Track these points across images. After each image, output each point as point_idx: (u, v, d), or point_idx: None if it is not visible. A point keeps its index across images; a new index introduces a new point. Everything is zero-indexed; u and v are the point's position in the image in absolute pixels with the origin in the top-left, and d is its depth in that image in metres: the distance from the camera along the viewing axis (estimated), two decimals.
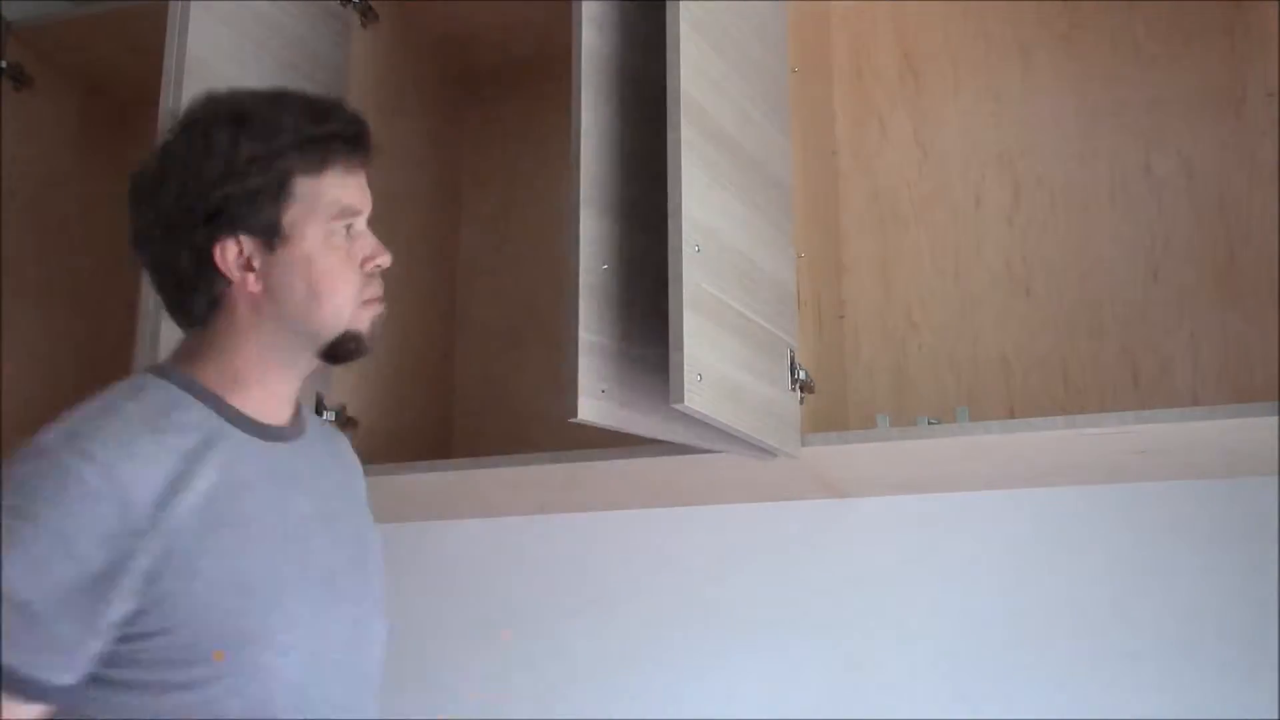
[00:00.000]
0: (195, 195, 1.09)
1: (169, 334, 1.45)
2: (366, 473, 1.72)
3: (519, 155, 2.16)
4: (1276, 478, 1.61)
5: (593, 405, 1.25)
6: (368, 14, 1.88)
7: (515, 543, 2.00)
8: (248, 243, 1.10)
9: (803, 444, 1.47)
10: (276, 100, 1.14)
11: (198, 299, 1.12)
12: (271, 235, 1.10)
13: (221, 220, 1.09)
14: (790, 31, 1.66)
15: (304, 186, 1.11)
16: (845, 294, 1.86)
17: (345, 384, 1.76)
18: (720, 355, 1.29)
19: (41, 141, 2.08)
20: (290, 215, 1.11)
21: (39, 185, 2.07)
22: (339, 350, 1.16)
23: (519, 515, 2.00)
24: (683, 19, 1.30)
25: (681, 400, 1.20)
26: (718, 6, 1.40)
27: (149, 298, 1.46)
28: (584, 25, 1.34)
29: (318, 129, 1.12)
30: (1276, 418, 1.33)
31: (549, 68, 2.15)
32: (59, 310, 2.09)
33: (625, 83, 1.40)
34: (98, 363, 2.15)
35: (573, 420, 1.23)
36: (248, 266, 1.11)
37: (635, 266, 1.36)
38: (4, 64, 2.01)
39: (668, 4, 1.30)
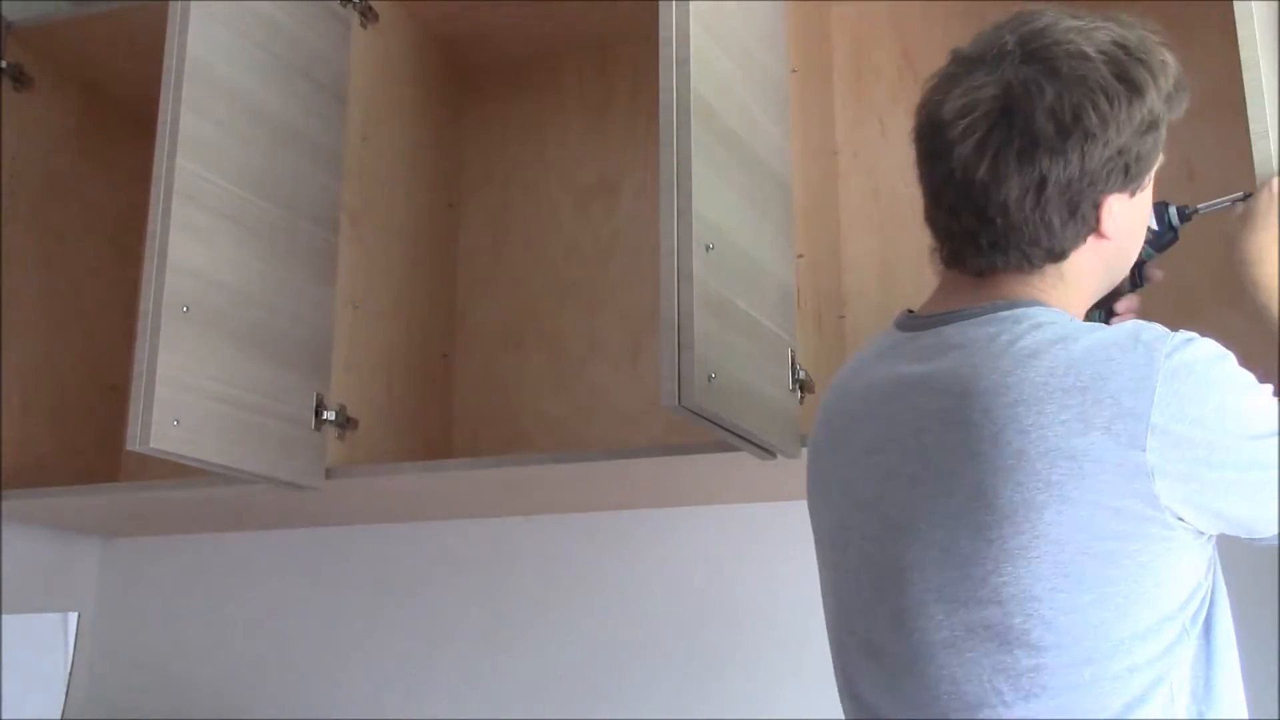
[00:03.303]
0: None
1: (169, 333, 1.45)
2: (366, 473, 1.73)
3: (519, 155, 2.16)
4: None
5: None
6: (368, 14, 1.88)
7: (515, 543, 2.00)
8: None
9: (803, 444, 1.47)
10: None
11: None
12: None
13: None
14: (790, 31, 1.66)
15: None
16: (845, 294, 1.86)
17: (345, 384, 1.76)
18: (728, 355, 1.29)
19: (41, 141, 2.08)
20: None
21: (39, 185, 2.07)
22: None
23: (519, 515, 2.00)
24: (692, 18, 1.30)
25: (693, 401, 1.20)
26: (723, 6, 1.40)
27: (149, 297, 1.46)
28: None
29: None
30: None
31: (549, 67, 2.16)
32: (59, 310, 2.09)
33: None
34: (98, 363, 2.15)
35: None
36: None
37: None
38: (4, 64, 2.01)
39: (675, 3, 1.30)
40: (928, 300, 1.10)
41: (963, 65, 1.03)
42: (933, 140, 1.04)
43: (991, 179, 0.99)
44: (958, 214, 1.03)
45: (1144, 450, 0.89)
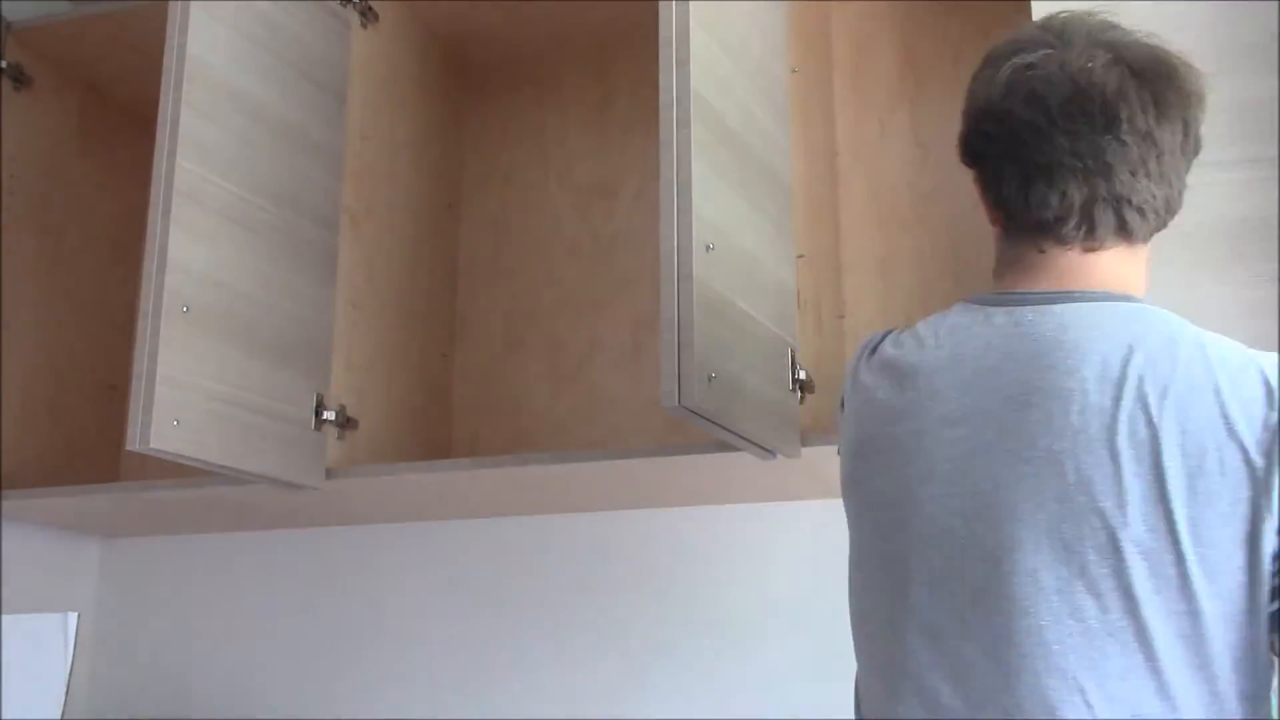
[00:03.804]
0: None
1: (169, 333, 1.45)
2: (366, 473, 1.73)
3: (519, 155, 2.16)
4: None
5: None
6: (368, 14, 1.88)
7: (515, 543, 2.00)
8: None
9: (803, 444, 1.47)
10: None
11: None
12: None
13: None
14: (790, 31, 1.66)
15: None
16: (845, 294, 1.86)
17: (345, 384, 1.76)
18: (727, 355, 1.29)
19: (41, 141, 2.08)
20: None
21: (39, 185, 2.07)
22: None
23: (519, 515, 2.00)
24: (692, 18, 1.30)
25: (693, 401, 1.20)
26: (723, 6, 1.40)
27: (149, 297, 1.46)
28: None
29: None
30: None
31: (549, 67, 2.16)
32: (59, 310, 2.09)
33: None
34: (98, 363, 2.15)
35: None
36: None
37: None
38: (4, 64, 2.01)
39: (675, 3, 1.30)
40: (1009, 279, 1.07)
41: (1053, 43, 1.03)
42: (1070, 107, 1.00)
43: (1157, 126, 1.00)
44: (1111, 176, 1.01)
45: (1265, 462, 0.89)
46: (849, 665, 1.08)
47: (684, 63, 1.29)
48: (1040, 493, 0.93)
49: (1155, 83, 1.01)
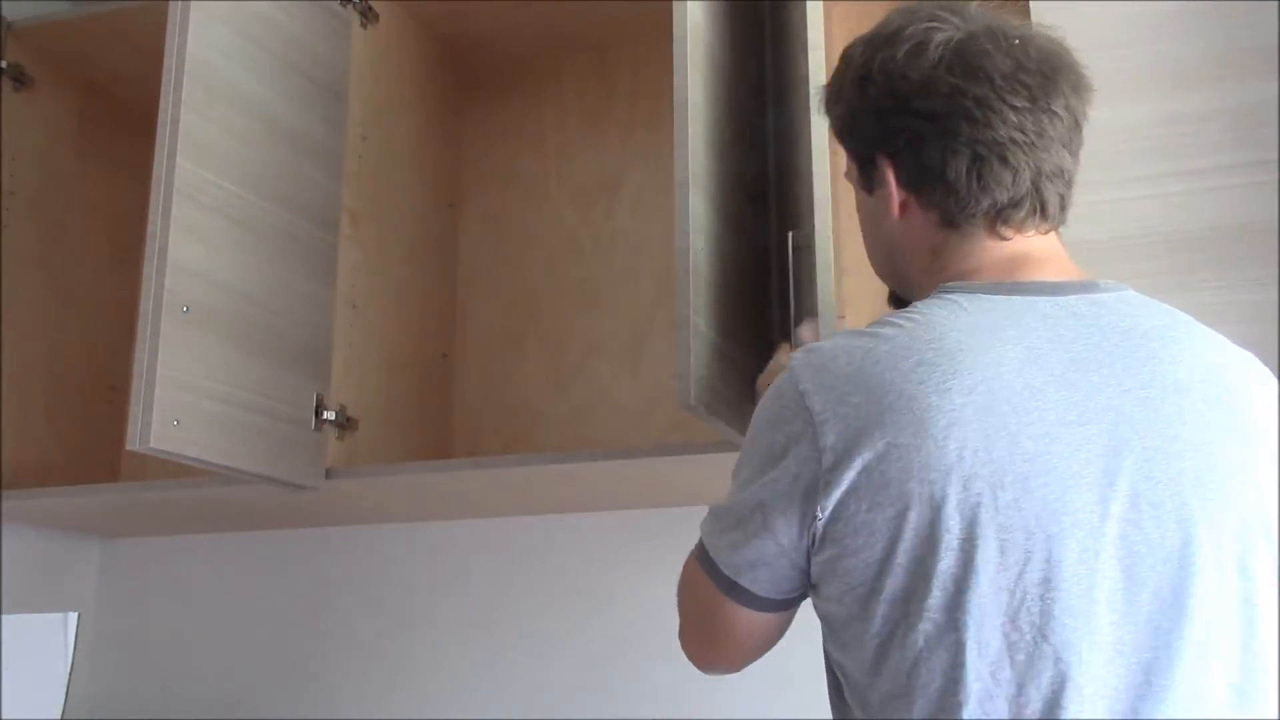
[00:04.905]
0: None
1: (169, 333, 1.45)
2: (366, 473, 1.73)
3: (519, 155, 2.16)
4: None
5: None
6: (368, 14, 1.88)
7: (515, 543, 2.00)
8: None
9: None
10: None
11: None
12: None
13: None
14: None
15: None
16: (845, 294, 1.86)
17: (345, 384, 1.76)
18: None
19: (41, 141, 2.08)
20: None
21: (39, 185, 2.07)
22: None
23: (519, 515, 2.00)
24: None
25: (689, 401, 1.20)
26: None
27: (149, 297, 1.46)
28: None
29: None
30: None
31: (549, 67, 2.16)
32: (59, 310, 2.09)
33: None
34: (98, 363, 2.15)
35: None
36: None
37: None
38: (4, 64, 2.01)
39: (688, 3, 1.30)
40: (1009, 268, 1.00)
41: (960, 25, 1.02)
42: (1012, 81, 0.99)
43: (1079, 103, 1.02)
44: (1050, 149, 1.00)
45: None
46: None
47: (696, 67, 1.29)
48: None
49: (1071, 65, 1.01)
